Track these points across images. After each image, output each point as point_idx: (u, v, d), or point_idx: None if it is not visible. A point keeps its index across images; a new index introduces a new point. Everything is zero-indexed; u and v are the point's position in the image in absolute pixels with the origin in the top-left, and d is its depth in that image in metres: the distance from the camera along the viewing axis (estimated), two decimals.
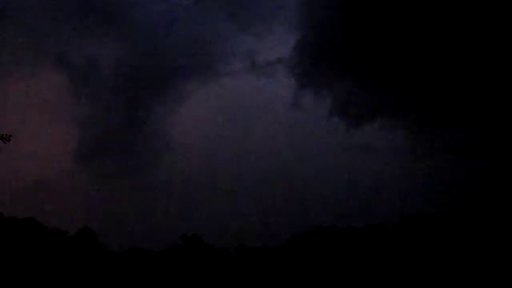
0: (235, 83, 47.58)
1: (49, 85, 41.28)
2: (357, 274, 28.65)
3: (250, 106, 44.89)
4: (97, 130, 41.21)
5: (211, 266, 30.15)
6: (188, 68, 46.21)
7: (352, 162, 39.45)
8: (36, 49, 42.78)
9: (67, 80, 43.37)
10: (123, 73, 42.88)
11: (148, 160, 39.49)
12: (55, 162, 38.04)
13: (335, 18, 39.40)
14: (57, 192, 35.56)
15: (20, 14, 42.46)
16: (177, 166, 38.73)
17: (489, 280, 25.50)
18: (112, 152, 39.70)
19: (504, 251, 27.49)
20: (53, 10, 42.74)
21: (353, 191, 37.00)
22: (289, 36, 54.86)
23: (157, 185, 36.37)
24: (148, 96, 43.64)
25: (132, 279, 28.11)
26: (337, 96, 40.56)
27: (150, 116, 42.47)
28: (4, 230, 28.07)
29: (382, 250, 30.32)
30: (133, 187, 36.76)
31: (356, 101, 39.01)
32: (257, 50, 55.19)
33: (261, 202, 35.11)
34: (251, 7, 51.90)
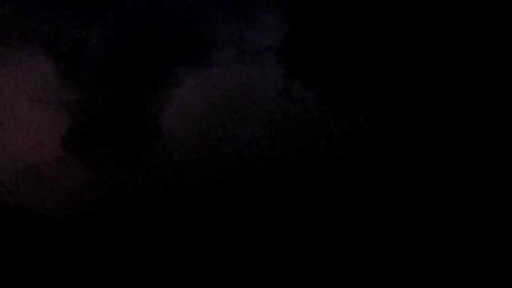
0: (224, 71, 47.67)
1: (37, 70, 41.03)
2: None
3: (239, 93, 45.13)
4: (86, 116, 41.05)
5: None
6: (177, 55, 46.18)
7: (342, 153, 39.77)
8: (22, 34, 42.49)
9: (54, 64, 43.06)
10: (112, 58, 42.63)
11: (138, 146, 39.51)
12: (44, 148, 37.81)
13: (325, 6, 39.66)
14: (46, 178, 35.50)
15: None
16: (167, 153, 38.86)
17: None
18: (102, 138, 39.63)
19: None
20: None
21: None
22: (278, 24, 54.86)
23: (147, 172, 36.51)
24: (138, 82, 43.61)
25: (123, 265, 28.35)
26: (327, 85, 40.88)
27: (141, 102, 42.46)
28: None
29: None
30: (123, 173, 36.85)
31: (346, 90, 39.31)
32: (246, 38, 55.26)
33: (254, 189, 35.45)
34: None
